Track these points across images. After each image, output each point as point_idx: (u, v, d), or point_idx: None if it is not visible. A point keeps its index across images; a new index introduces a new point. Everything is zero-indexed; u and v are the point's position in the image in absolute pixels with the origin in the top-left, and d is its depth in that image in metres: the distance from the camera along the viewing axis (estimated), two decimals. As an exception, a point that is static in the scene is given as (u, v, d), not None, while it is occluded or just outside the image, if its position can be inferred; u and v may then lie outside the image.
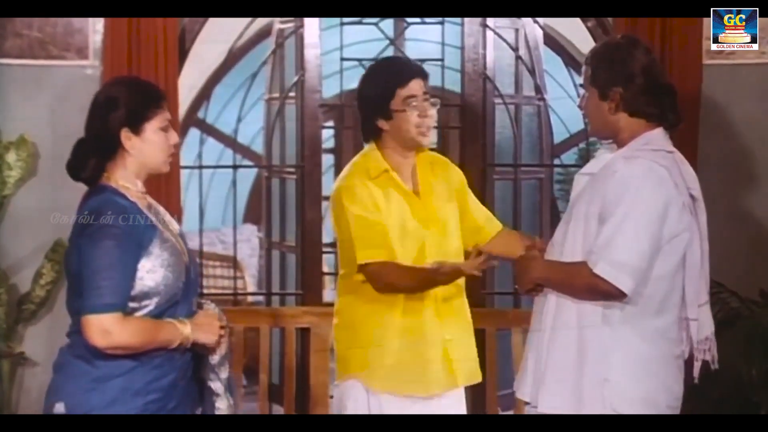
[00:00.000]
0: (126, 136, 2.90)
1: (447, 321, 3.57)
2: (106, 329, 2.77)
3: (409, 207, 3.55)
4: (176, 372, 2.93)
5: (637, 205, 2.90)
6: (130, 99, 2.93)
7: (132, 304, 2.85)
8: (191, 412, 3.01)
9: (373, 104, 3.55)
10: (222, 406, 3.06)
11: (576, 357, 2.95)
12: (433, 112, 3.53)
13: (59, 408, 2.85)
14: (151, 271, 2.86)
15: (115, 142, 2.91)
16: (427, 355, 3.53)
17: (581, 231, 2.99)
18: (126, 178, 2.94)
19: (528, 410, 3.12)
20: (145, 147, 2.93)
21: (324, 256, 5.82)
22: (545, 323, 3.03)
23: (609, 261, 2.88)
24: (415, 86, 3.50)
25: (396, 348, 3.52)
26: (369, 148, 3.62)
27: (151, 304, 2.87)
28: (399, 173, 3.57)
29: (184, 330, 2.90)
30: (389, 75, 3.56)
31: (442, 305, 3.56)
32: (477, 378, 3.68)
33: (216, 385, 3.05)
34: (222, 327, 3.02)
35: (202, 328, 2.95)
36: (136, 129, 2.91)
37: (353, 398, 3.55)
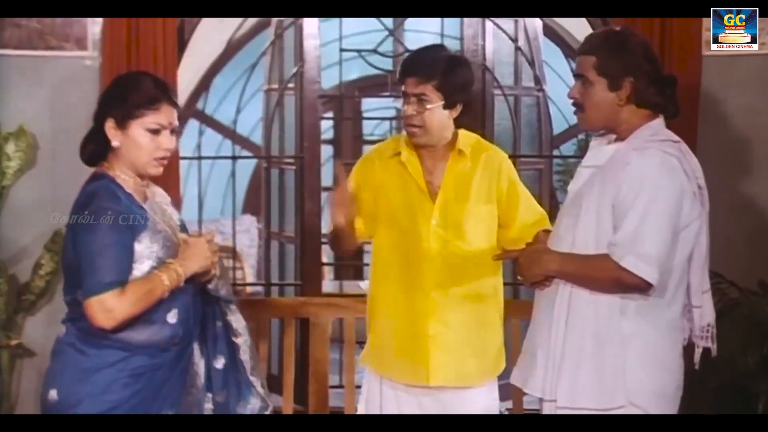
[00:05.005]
0: (109, 127, 2.90)
1: (440, 315, 3.51)
2: (108, 308, 2.76)
3: (418, 199, 3.52)
4: (166, 361, 2.91)
5: (657, 196, 2.88)
6: (122, 93, 2.91)
7: None
8: (181, 404, 2.98)
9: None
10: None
11: (593, 350, 2.94)
12: (411, 110, 3.43)
13: (52, 395, 2.86)
14: (139, 261, 2.85)
15: (103, 132, 2.92)
16: (405, 345, 3.52)
17: (593, 223, 2.96)
18: (122, 170, 2.93)
19: (525, 403, 3.11)
20: (129, 145, 2.90)
21: (323, 246, 5.83)
22: (558, 316, 3.00)
23: (636, 254, 2.86)
24: (408, 84, 3.46)
25: (383, 329, 3.58)
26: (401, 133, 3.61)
27: None
28: (421, 162, 3.53)
29: (171, 274, 2.87)
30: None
31: (440, 298, 3.51)
32: (466, 381, 3.54)
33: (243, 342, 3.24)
34: (209, 241, 2.98)
35: (191, 258, 2.92)
36: (122, 125, 2.90)
37: (366, 381, 3.67)
